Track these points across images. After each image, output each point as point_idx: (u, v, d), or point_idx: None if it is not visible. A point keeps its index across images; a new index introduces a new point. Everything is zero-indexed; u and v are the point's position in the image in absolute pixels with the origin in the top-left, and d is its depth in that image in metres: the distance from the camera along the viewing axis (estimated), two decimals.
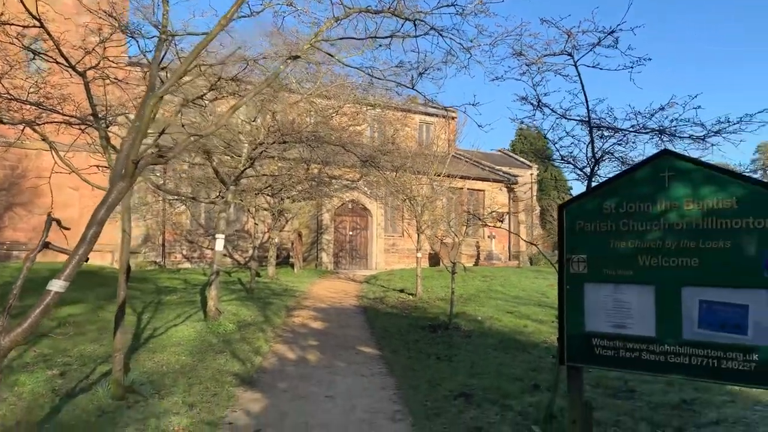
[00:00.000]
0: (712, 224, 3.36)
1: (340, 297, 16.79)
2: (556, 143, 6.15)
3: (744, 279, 3.24)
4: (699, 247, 3.39)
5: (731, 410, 6.47)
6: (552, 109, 5.45)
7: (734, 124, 4.58)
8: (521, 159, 36.32)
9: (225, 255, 24.39)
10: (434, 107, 28.75)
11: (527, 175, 34.23)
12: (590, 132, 5.38)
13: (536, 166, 35.39)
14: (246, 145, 12.84)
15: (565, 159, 6.24)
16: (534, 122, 5.85)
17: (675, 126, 4.89)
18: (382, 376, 8.22)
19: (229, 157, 14.25)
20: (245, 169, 12.43)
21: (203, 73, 8.46)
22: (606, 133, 5.31)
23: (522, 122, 5.99)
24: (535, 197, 35.24)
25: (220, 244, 12.17)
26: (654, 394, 7.12)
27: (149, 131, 7.56)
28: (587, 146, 5.64)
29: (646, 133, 5.08)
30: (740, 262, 3.26)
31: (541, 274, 23.30)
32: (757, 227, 3.21)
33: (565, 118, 5.46)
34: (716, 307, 3.34)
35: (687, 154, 3.61)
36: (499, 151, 38.01)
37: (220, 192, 13.28)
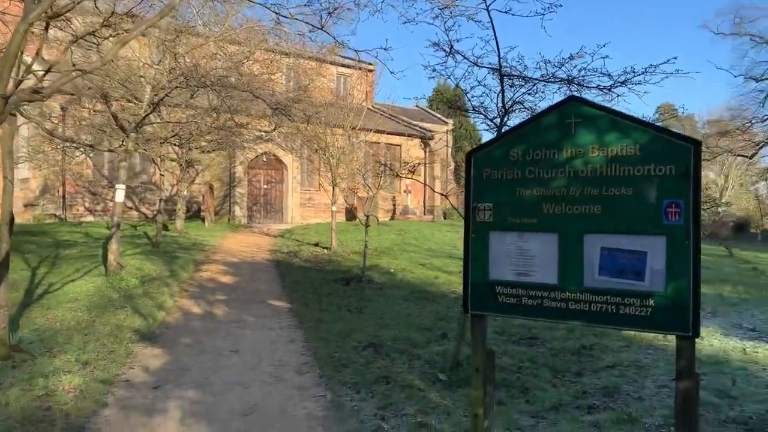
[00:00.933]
0: (616, 171, 3.34)
1: (252, 251, 16.42)
2: (467, 93, 6.06)
3: (644, 226, 3.26)
4: (602, 195, 3.38)
5: (626, 354, 6.79)
6: (464, 56, 5.31)
7: (639, 74, 4.61)
8: (437, 114, 36.49)
9: (131, 208, 23.26)
10: (349, 58, 28.21)
11: (443, 131, 34.50)
12: (501, 81, 5.30)
13: (451, 121, 35.69)
14: (148, 89, 12.04)
15: (476, 109, 6.17)
16: (446, 70, 5.70)
17: (583, 76, 4.89)
18: (291, 329, 8.08)
19: (132, 104, 13.37)
20: (147, 115, 11.69)
21: (96, 7, 7.74)
22: (516, 83, 5.25)
23: (434, 69, 5.83)
24: (450, 152, 35.65)
25: (120, 195, 11.50)
26: (555, 341, 7.36)
27: (36, 69, 6.85)
28: (498, 96, 5.58)
29: (555, 82, 5.05)
30: (641, 209, 3.26)
31: (453, 228, 23.75)
32: (659, 174, 3.22)
33: (477, 65, 5.34)
34: (617, 254, 3.35)
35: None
36: (416, 106, 38.01)
37: (123, 141, 12.46)
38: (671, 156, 3.19)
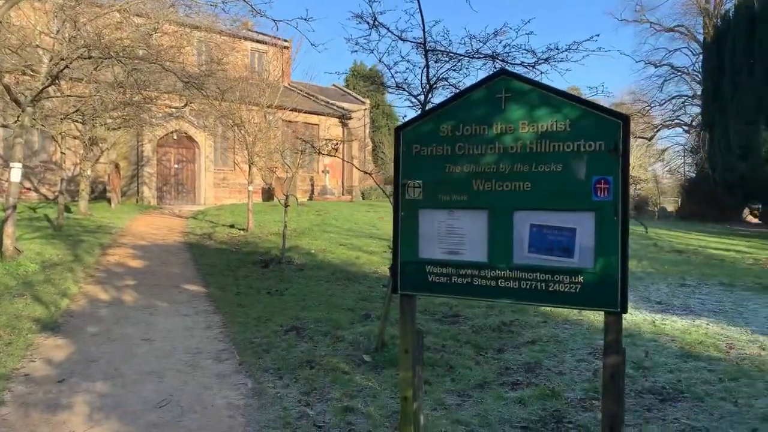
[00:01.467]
0: (546, 147, 3.30)
1: (163, 234, 15.71)
2: (391, 68, 5.91)
3: (573, 202, 3.23)
4: (532, 171, 3.33)
5: (545, 330, 6.94)
6: (388, 29, 5.14)
7: (563, 51, 4.61)
8: (355, 94, 36.23)
9: (29, 189, 21.73)
10: (264, 34, 27.39)
11: (361, 111, 34.32)
12: (426, 56, 5.18)
13: (369, 101, 35.55)
14: (45, 60, 11.12)
15: (400, 86, 6.03)
16: (370, 44, 5.51)
17: (508, 52, 4.84)
18: (207, 314, 7.74)
19: (28, 76, 12.34)
20: (44, 88, 10.80)
21: None
22: (441, 58, 5.14)
23: (357, 43, 5.62)
24: (368, 132, 35.56)
25: (16, 175, 10.63)
26: (477, 318, 7.43)
27: None
28: (422, 71, 5.46)
29: (480, 58, 4.98)
30: (571, 186, 3.24)
31: (373, 208, 23.75)
32: (588, 150, 3.20)
33: (401, 39, 5.20)
34: (546, 230, 3.32)
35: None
36: (334, 86, 37.56)
37: (18, 116, 11.50)
38: (601, 132, 3.17)
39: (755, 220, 30.00)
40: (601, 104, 3.19)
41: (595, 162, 3.19)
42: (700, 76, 35.30)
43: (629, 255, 3.26)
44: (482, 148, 3.45)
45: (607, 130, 3.16)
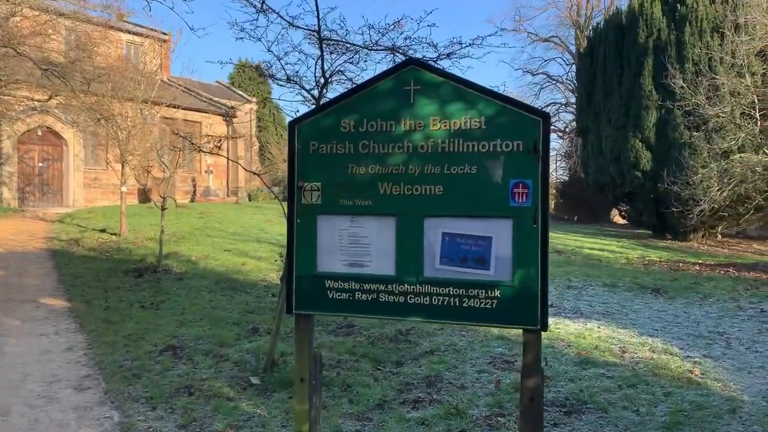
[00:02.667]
0: (459, 147, 2.96)
1: (22, 240, 14.10)
2: (281, 59, 5.40)
3: (489, 208, 2.92)
4: (444, 173, 2.98)
5: (442, 338, 6.68)
6: (278, 14, 4.64)
7: (466, 46, 4.35)
8: (240, 92, 34.95)
9: None
10: (140, 26, 25.68)
11: (246, 109, 33.16)
12: (320, 45, 4.72)
13: (255, 99, 34.45)
14: None
15: (291, 79, 5.53)
16: (257, 30, 4.97)
17: (409, 45, 4.50)
18: (69, 333, 6.81)
19: None
20: None
21: None
22: (337, 48, 4.71)
23: (243, 29, 5.07)
24: (254, 131, 34.48)
25: None
26: (372, 328, 7.06)
27: None
28: (316, 63, 5.00)
29: (379, 50, 4.61)
30: (486, 190, 2.92)
31: (260, 210, 22.89)
32: (505, 150, 2.89)
33: (293, 26, 4.71)
34: (460, 239, 2.98)
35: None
36: (218, 82, 36.03)
37: None
38: (519, 130, 2.88)
39: (622, 221, 32.18)
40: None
41: (513, 164, 2.89)
42: (573, 84, 37.50)
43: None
44: (389, 146, 3.06)
45: (525, 128, 2.87)
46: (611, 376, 5.33)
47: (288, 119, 3.86)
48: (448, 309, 2.98)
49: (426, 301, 3.01)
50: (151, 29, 26.00)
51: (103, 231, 15.46)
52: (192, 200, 28.27)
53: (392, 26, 4.53)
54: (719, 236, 21.68)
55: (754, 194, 16.57)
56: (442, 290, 2.98)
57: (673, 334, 7.15)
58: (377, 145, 3.07)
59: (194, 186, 29.29)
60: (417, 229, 3.02)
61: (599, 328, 7.24)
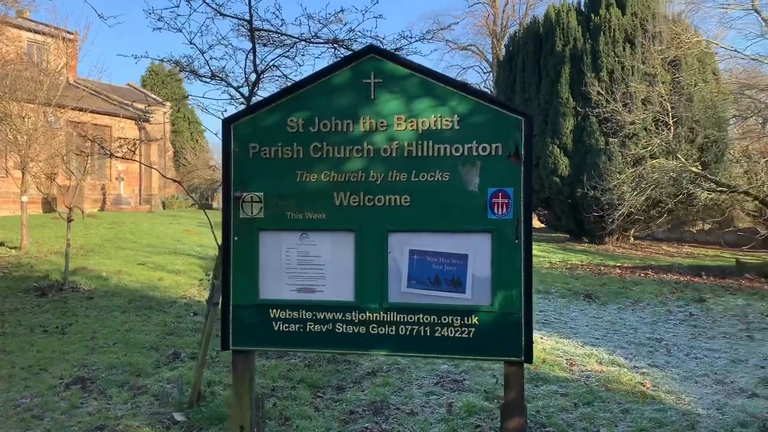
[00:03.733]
0: (429, 150, 2.54)
1: None
2: (205, 52, 4.82)
3: (464, 222, 2.52)
4: (411, 181, 2.55)
5: (383, 357, 6.24)
6: (204, 0, 4.08)
7: (416, 40, 3.96)
8: (153, 96, 33.34)
9: None
10: (43, 24, 23.89)
11: (160, 114, 31.67)
12: (251, 37, 4.20)
13: (169, 103, 32.98)
14: None
15: (217, 75, 4.95)
16: (178, 19, 4.39)
17: (353, 38, 4.06)
18: None
19: None
20: None
21: None
22: (272, 39, 4.20)
23: (161, 18, 4.46)
24: (168, 137, 33.04)
25: None
26: None
27: None
28: (246, 57, 4.47)
29: (320, 43, 4.14)
30: (461, 200, 2.52)
31: (176, 219, 21.71)
32: (482, 155, 2.50)
33: (220, 14, 4.16)
34: (430, 258, 2.56)
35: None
36: (129, 85, 34.20)
37: None
38: (498, 131, 2.50)
39: (540, 225, 33.02)
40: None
41: (492, 170, 2.50)
42: (491, 92, 38.27)
43: None
44: (346, 149, 2.60)
45: (505, 129, 2.49)
46: (565, 393, 5.07)
47: (215, 121, 3.29)
48: (418, 340, 2.55)
49: (391, 331, 2.57)
50: (56, 28, 24.27)
51: (0, 245, 14.04)
52: (102, 209, 26.58)
53: (334, 17, 4.07)
54: (632, 239, 22.49)
55: (665, 198, 17.22)
56: (411, 318, 2.55)
57: (615, 343, 7.05)
58: (332, 148, 2.60)
59: (104, 194, 27.58)
60: (380, 247, 2.58)
61: (542, 339, 7.02)
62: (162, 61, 5.21)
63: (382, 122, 2.56)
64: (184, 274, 10.91)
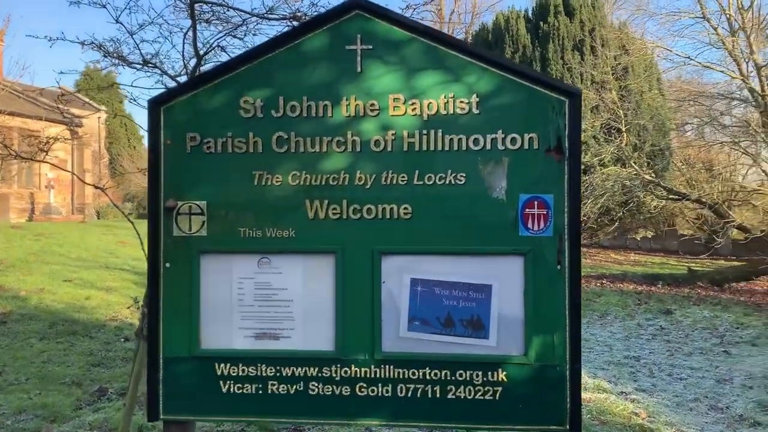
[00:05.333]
0: (437, 143, 1.85)
1: None
2: (134, 33, 4.03)
3: (487, 240, 1.84)
4: (413, 185, 1.86)
5: (375, 429, 5.48)
6: None
7: (402, 10, 3.28)
8: (87, 100, 31.61)
9: None
10: None
11: (94, 119, 30.04)
12: (191, 12, 3.44)
13: (105, 108, 31.37)
14: None
15: (149, 61, 4.15)
16: None
17: (317, 12, 3.35)
18: None
19: None
20: None
21: None
22: (218, 13, 3.45)
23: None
24: (103, 143, 31.44)
25: None
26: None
27: None
28: (185, 37, 3.70)
29: (276, 19, 3.42)
30: (482, 211, 1.84)
31: (110, 230, 20.33)
32: (511, 149, 1.83)
33: None
34: (441, 290, 1.87)
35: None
36: (60, 88, 32.31)
37: None
38: (533, 116, 1.83)
39: None
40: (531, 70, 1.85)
41: (524, 170, 1.83)
42: None
43: None
44: (323, 142, 1.88)
45: (543, 113, 1.83)
46: None
47: (146, 121, 2.53)
48: (424, 404, 1.84)
49: (386, 392, 1.86)
50: None
51: None
52: (30, 219, 24.80)
53: None
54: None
55: (615, 207, 17.18)
56: (413, 374, 1.85)
57: (593, 363, 6.52)
58: (303, 140, 1.88)
59: (33, 203, 25.78)
60: (370, 275, 1.87)
61: None
62: (83, 44, 4.36)
63: (372, 104, 1.86)
64: (115, 291, 9.85)
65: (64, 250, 14.60)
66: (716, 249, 16.51)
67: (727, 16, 14.57)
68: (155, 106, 1.92)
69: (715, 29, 14.77)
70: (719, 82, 15.89)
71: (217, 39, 3.58)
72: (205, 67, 3.87)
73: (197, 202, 1.89)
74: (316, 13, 3.39)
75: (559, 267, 1.80)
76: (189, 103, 1.91)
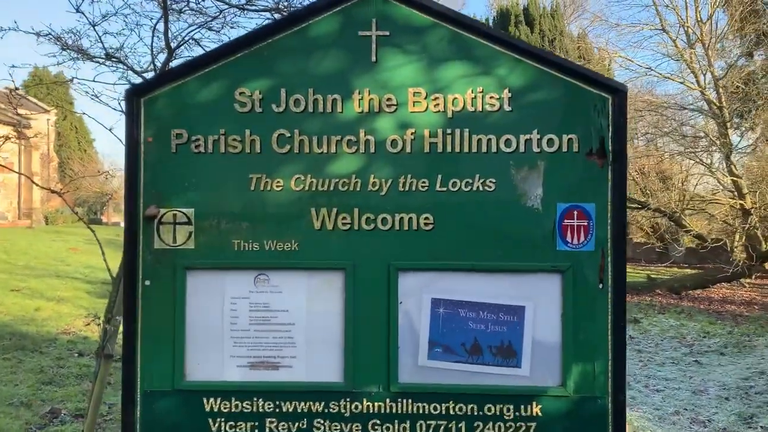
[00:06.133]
0: (463, 144, 1.62)
1: None
2: (97, 24, 3.70)
3: (520, 255, 1.62)
4: (435, 192, 1.62)
5: None
6: None
7: None
8: (36, 101, 30.46)
9: None
10: None
11: (43, 121, 28.96)
12: (164, 2, 3.14)
13: (55, 110, 30.26)
14: None
15: (113, 56, 3.82)
16: None
17: (304, 2, 3.10)
18: None
19: None
20: None
21: None
22: (190, 6, 3.16)
23: None
24: (52, 146, 30.39)
25: None
26: None
27: None
28: (154, 29, 3.40)
29: (256, 10, 3.15)
30: (514, 221, 1.62)
31: (60, 236, 19.52)
32: (548, 151, 1.61)
33: None
34: (466, 312, 1.64)
35: None
36: (7, 88, 31.01)
37: None
38: (572, 115, 1.63)
39: None
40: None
41: (562, 175, 1.62)
42: None
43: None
44: (331, 142, 1.63)
45: (583, 111, 1.63)
46: None
47: (109, 115, 2.20)
48: None
49: (404, 429, 1.61)
50: None
51: None
52: None
53: None
54: None
55: None
56: (434, 409, 1.61)
57: None
58: (308, 139, 1.62)
59: None
60: (385, 295, 1.62)
61: None
62: (38, 35, 4.00)
63: (388, 99, 1.62)
64: (67, 302, 9.31)
65: (11, 257, 13.86)
66: (669, 257, 16.81)
67: (686, 28, 14.89)
68: (134, 97, 1.63)
69: (674, 41, 15.08)
70: (673, 93, 16.23)
71: (191, 31, 3.29)
72: (176, 63, 3.57)
73: (183, 210, 1.62)
74: (299, 3, 3.14)
75: (601, 286, 1.60)
76: (175, 95, 1.63)
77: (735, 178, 13.39)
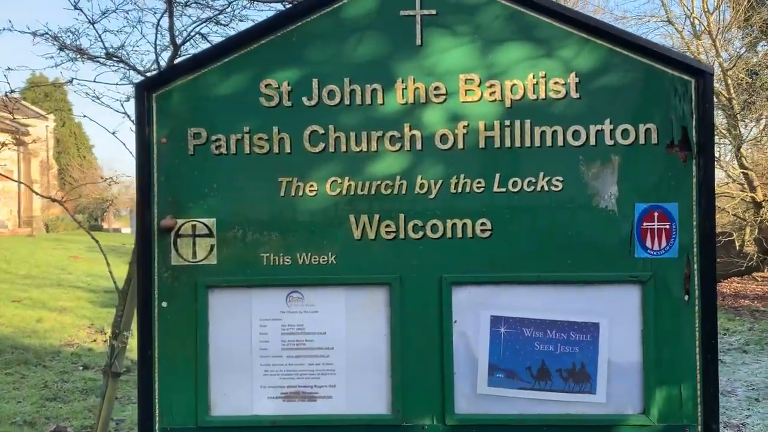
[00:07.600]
0: (524, 138, 1.41)
1: None
2: (96, 22, 3.52)
3: (592, 264, 1.40)
4: (492, 194, 1.41)
5: None
6: None
7: None
8: (35, 108, 30.42)
9: None
10: None
11: (42, 128, 28.90)
12: None
13: (53, 117, 30.22)
14: None
15: (114, 55, 3.63)
16: None
17: None
18: None
19: None
20: None
21: None
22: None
23: None
24: (51, 153, 30.37)
25: None
26: None
27: None
28: (158, 25, 3.21)
29: (265, 1, 2.94)
30: (585, 225, 1.41)
31: (61, 243, 19.38)
32: (622, 144, 1.40)
33: None
34: (531, 332, 1.43)
35: None
36: (5, 96, 30.96)
37: None
38: (650, 102, 1.41)
39: None
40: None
41: (640, 172, 1.40)
42: None
43: None
44: (371, 138, 1.42)
45: (663, 97, 1.41)
46: None
47: (111, 118, 1.99)
48: None
49: None
50: None
51: None
52: None
53: None
54: None
55: None
56: None
57: None
58: (345, 136, 1.41)
59: None
60: (437, 312, 1.41)
61: None
62: (34, 35, 3.81)
63: (436, 88, 1.41)
64: (70, 312, 9.12)
65: (12, 267, 13.71)
66: None
67: (692, 19, 14.68)
68: (145, 92, 1.42)
69: (680, 32, 14.87)
70: None
71: (198, 26, 3.08)
72: (182, 59, 3.37)
73: (203, 220, 1.41)
74: None
75: (687, 298, 1.38)
76: (191, 89, 1.42)
77: (746, 170, 13.19)
